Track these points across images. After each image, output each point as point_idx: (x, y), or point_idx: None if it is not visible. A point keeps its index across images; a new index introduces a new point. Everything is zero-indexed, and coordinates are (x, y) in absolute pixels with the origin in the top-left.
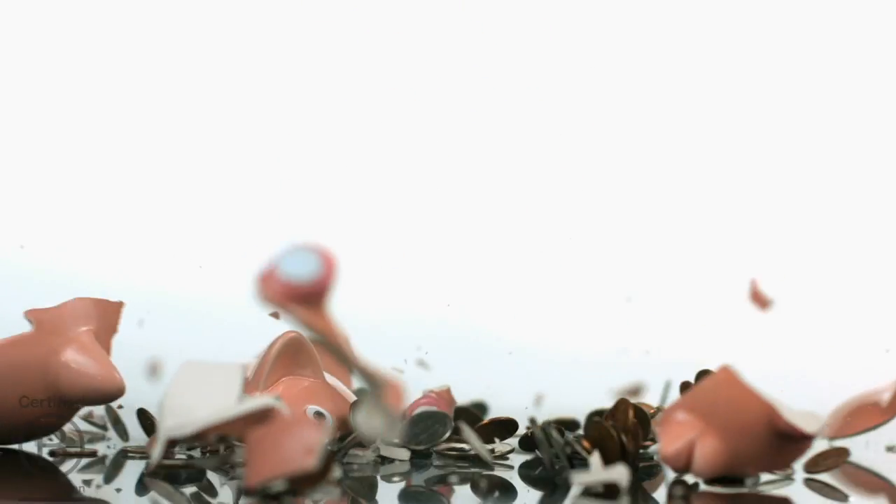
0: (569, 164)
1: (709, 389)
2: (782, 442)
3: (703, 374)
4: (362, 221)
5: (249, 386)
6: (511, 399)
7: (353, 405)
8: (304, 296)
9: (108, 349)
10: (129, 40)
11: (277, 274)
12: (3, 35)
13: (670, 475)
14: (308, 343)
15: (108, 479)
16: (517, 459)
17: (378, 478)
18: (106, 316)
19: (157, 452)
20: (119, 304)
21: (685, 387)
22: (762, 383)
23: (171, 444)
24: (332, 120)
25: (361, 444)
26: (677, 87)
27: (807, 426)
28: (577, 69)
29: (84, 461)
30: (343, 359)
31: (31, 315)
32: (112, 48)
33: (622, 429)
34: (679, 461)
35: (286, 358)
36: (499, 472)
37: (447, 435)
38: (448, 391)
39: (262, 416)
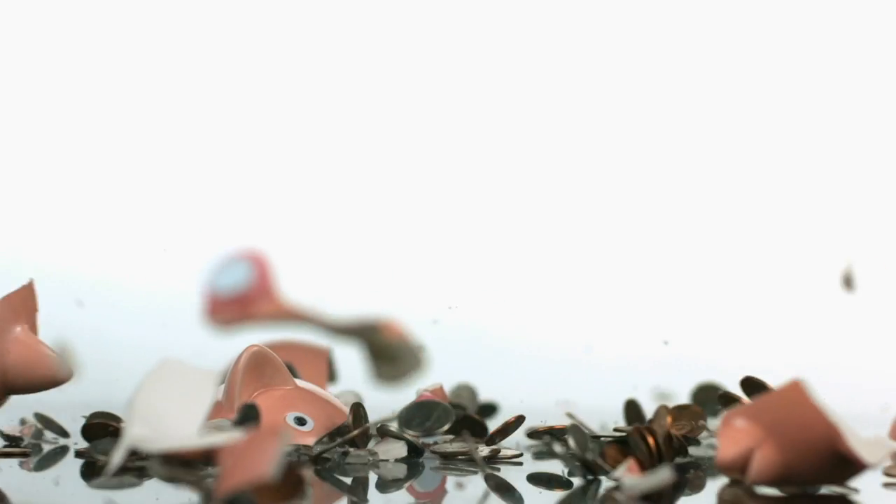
0: (575, 167)
1: (776, 401)
2: (841, 463)
3: (750, 383)
4: (362, 222)
5: (223, 408)
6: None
7: (371, 367)
8: (249, 302)
9: (35, 332)
10: (108, 42)
11: (216, 295)
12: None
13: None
14: (271, 354)
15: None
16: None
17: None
18: (24, 302)
19: (117, 458)
20: (29, 285)
21: (747, 386)
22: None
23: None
24: (329, 120)
25: (355, 444)
26: (683, 92)
27: (869, 456)
28: (578, 71)
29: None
30: (327, 327)
31: None
32: (99, 48)
33: (660, 435)
34: (735, 468)
35: (254, 371)
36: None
37: (448, 426)
38: (441, 389)
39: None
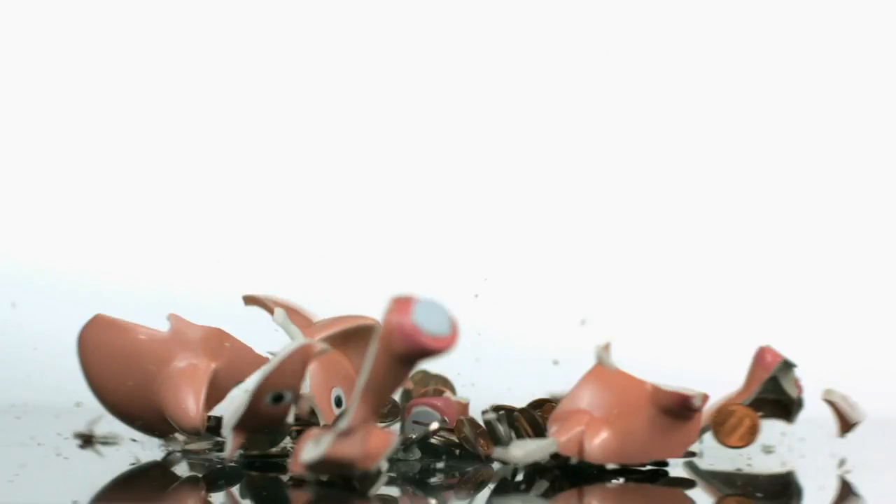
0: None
1: (589, 382)
2: (669, 421)
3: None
4: (360, 222)
5: (307, 330)
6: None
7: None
8: (416, 348)
9: (223, 390)
10: (128, 41)
11: (412, 313)
12: (3, 35)
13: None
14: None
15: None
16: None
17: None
18: (241, 358)
19: (229, 446)
20: (263, 360)
21: None
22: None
23: (241, 432)
24: (330, 120)
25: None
26: (658, 99)
27: (687, 390)
28: (563, 81)
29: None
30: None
31: (174, 319)
32: (112, 48)
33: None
34: (571, 451)
35: (352, 336)
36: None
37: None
38: (465, 406)
39: (306, 355)
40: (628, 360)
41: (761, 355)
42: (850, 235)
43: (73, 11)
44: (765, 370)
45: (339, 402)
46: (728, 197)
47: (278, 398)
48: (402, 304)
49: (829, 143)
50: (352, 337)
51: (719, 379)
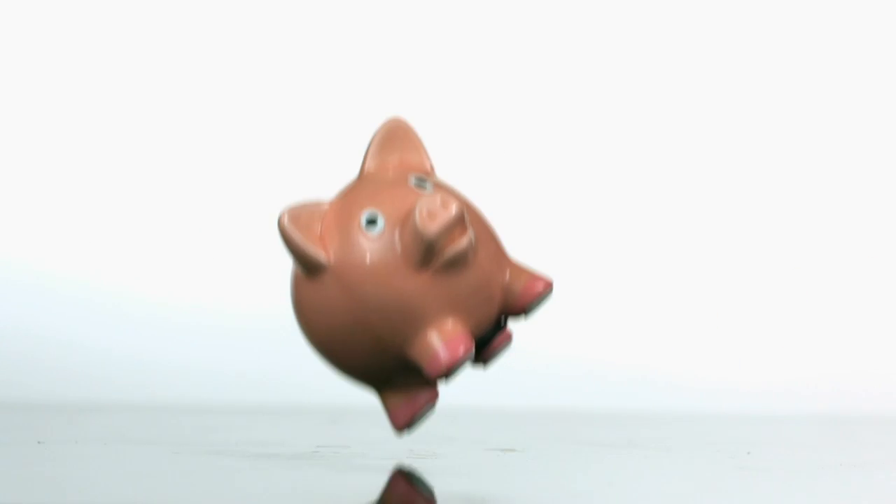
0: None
1: None
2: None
3: None
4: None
5: (361, 168)
6: None
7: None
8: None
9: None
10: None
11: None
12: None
13: None
14: (412, 131)
15: None
16: None
17: None
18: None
19: None
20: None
21: None
22: None
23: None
24: (326, 116)
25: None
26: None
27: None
28: (562, 78)
29: None
30: None
31: None
32: (112, 51)
33: None
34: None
35: (391, 142)
36: None
37: None
38: None
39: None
40: None
41: (543, 281)
42: (849, 238)
43: (70, 12)
44: (529, 296)
45: (420, 181)
46: (728, 195)
47: (372, 221)
48: (453, 354)
49: (805, 140)
50: (390, 141)
51: (720, 383)
